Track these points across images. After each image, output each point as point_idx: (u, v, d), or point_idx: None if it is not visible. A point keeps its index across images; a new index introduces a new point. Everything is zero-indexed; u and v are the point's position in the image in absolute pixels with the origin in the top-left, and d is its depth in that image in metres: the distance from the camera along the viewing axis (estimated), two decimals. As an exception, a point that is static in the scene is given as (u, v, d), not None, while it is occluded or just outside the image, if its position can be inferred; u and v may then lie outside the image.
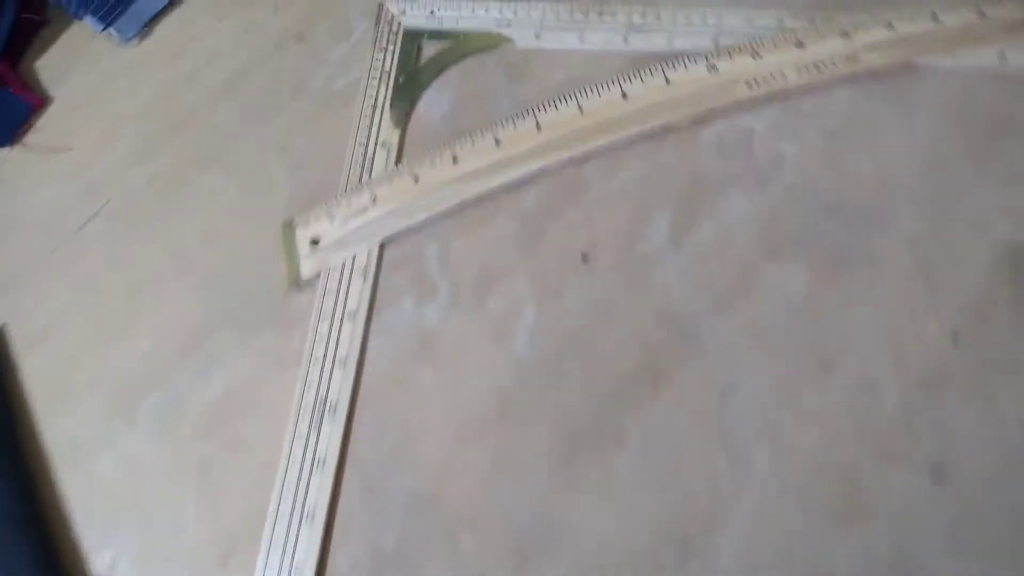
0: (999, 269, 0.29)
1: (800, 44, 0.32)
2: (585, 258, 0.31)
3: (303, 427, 0.29)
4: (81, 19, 0.41)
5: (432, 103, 0.33)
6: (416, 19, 0.35)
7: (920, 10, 0.32)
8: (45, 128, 0.39)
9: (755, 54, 0.32)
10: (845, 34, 0.32)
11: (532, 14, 0.34)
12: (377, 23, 0.35)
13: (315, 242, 0.31)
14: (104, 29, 0.41)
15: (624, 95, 0.32)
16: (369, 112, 0.33)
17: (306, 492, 0.27)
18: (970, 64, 0.32)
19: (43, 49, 0.43)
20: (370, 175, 0.32)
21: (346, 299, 0.30)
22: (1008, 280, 0.29)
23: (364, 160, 0.33)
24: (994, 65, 0.32)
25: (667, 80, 0.32)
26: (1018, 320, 0.29)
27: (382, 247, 0.31)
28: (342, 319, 0.30)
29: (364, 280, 0.31)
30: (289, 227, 0.31)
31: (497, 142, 0.32)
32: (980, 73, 0.32)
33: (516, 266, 0.31)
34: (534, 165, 0.32)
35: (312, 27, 0.35)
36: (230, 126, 0.33)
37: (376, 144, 0.33)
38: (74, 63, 0.41)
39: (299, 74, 0.34)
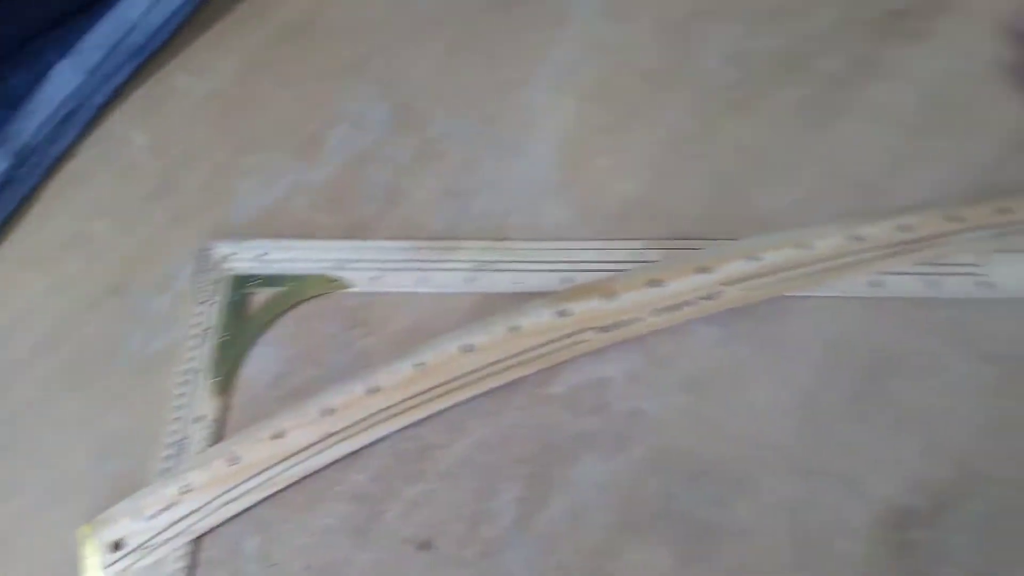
0: (879, 537, 0.26)
1: (656, 281, 0.30)
2: (425, 546, 0.28)
3: None
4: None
5: (261, 362, 0.31)
6: (245, 263, 0.33)
7: (786, 236, 0.30)
8: None
9: (608, 295, 0.30)
10: (705, 269, 0.30)
11: (370, 254, 0.32)
12: (200, 270, 0.32)
13: (117, 546, 0.28)
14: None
15: (466, 348, 0.29)
16: (186, 379, 0.31)
17: None
18: (843, 293, 0.30)
19: None
20: (185, 457, 0.29)
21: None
22: (889, 550, 0.26)
23: (179, 439, 0.30)
24: (868, 293, 0.29)
25: (513, 328, 0.30)
26: (911, 603, 0.26)
27: (196, 545, 0.28)
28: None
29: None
30: (87, 531, 0.28)
31: (330, 411, 0.29)
32: (853, 303, 0.30)
33: (349, 558, 0.28)
34: (369, 436, 0.29)
35: (130, 278, 0.32)
36: (27, 404, 0.30)
37: (193, 418, 0.30)
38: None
39: (113, 336, 0.31)
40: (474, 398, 0.29)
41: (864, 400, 0.28)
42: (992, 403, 0.28)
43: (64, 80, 0.35)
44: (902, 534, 0.26)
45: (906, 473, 0.27)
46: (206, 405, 0.30)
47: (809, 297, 0.30)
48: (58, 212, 0.35)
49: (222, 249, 0.32)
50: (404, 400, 0.29)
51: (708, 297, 0.29)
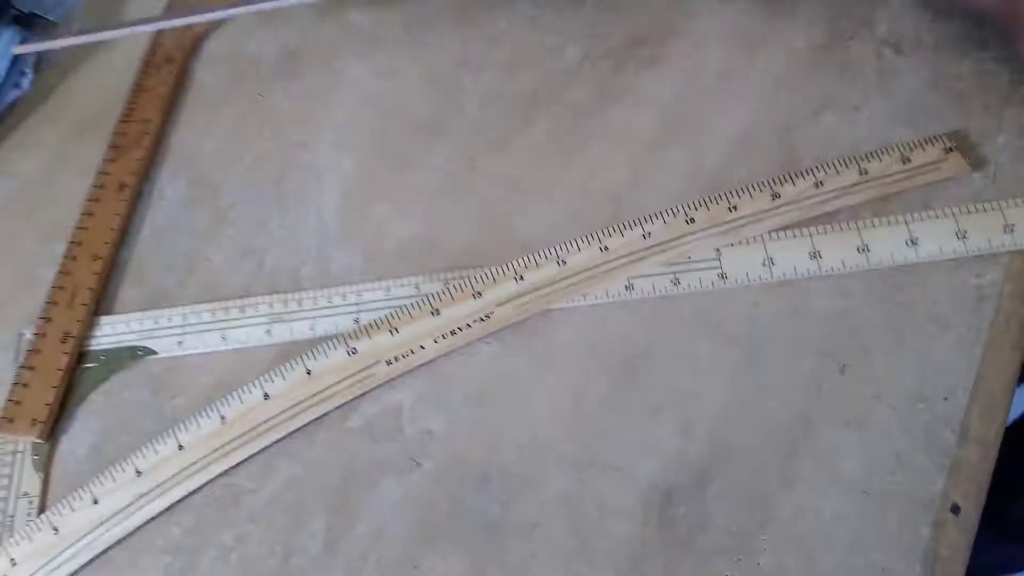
0: (647, 515, 0.29)
1: (435, 312, 0.33)
2: (239, 586, 0.30)
3: None
4: None
5: (76, 436, 0.32)
6: (58, 345, 0.35)
7: (546, 257, 0.33)
8: None
9: (392, 329, 0.32)
10: (477, 294, 0.33)
11: (173, 320, 0.34)
12: (16, 355, 0.34)
13: (-58, 630, 0.29)
14: None
15: (266, 395, 0.32)
16: (8, 459, 0.32)
17: None
18: (600, 300, 0.33)
19: None
20: (12, 533, 0.31)
21: None
22: (657, 525, 0.29)
23: (4, 518, 0.31)
24: (622, 295, 0.33)
25: (308, 371, 0.32)
26: (672, 567, 0.28)
27: (26, 614, 0.30)
28: None
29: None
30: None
31: (139, 472, 0.31)
32: (610, 307, 0.33)
33: (170, 609, 0.29)
34: (181, 491, 0.31)
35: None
36: None
37: (17, 496, 0.32)
38: None
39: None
40: (281, 439, 0.32)
41: (625, 393, 0.31)
42: (736, 380, 0.31)
43: None
44: (668, 510, 0.30)
45: (666, 454, 0.30)
46: (29, 482, 0.32)
47: (572, 307, 0.33)
48: None
49: (32, 329, 0.34)
50: (210, 452, 0.31)
51: (482, 319, 0.32)
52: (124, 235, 0.36)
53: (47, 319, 0.34)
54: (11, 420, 0.32)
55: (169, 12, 0.41)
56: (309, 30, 0.39)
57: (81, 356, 0.34)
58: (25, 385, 0.33)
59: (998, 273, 0.32)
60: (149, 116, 0.38)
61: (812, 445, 0.30)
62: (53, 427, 0.33)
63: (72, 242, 0.36)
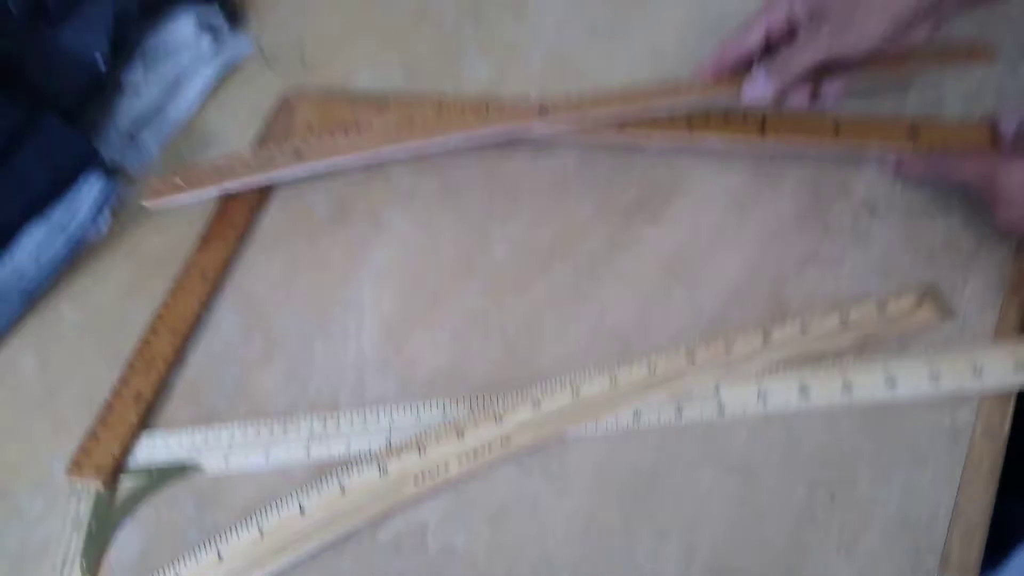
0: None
1: (460, 434, 0.36)
2: None
3: None
4: None
5: (124, 545, 0.35)
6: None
7: (561, 386, 0.37)
8: None
9: (420, 450, 0.36)
10: (498, 418, 0.36)
11: (221, 438, 0.37)
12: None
13: None
14: None
15: (302, 509, 0.35)
16: (59, 566, 0.35)
17: None
18: (610, 427, 0.36)
19: None
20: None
21: None
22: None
23: (52, 619, 0.33)
24: (630, 425, 0.36)
25: (342, 488, 0.35)
26: None
27: None
28: None
29: None
30: None
31: (180, 580, 0.34)
32: (619, 434, 0.36)
33: None
34: (219, 597, 0.33)
35: (12, 481, 0.37)
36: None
37: (65, 600, 0.34)
38: None
39: (-7, 536, 0.36)
40: (310, 555, 0.34)
41: (633, 518, 0.34)
42: (735, 507, 0.34)
43: (-39, 320, 0.41)
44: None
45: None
46: (77, 587, 0.34)
47: (585, 434, 0.36)
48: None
49: (94, 448, 0.38)
50: (248, 563, 0.34)
51: (502, 442, 0.36)
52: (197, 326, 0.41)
53: (125, 382, 0.39)
54: (79, 466, 0.36)
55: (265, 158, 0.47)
56: (358, 185, 0.45)
57: (134, 471, 0.37)
58: (96, 438, 0.37)
59: (970, 413, 0.35)
60: (237, 221, 0.44)
61: (807, 570, 0.32)
62: (115, 478, 0.37)
63: (155, 319, 0.41)
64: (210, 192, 0.44)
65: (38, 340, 0.42)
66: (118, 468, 0.37)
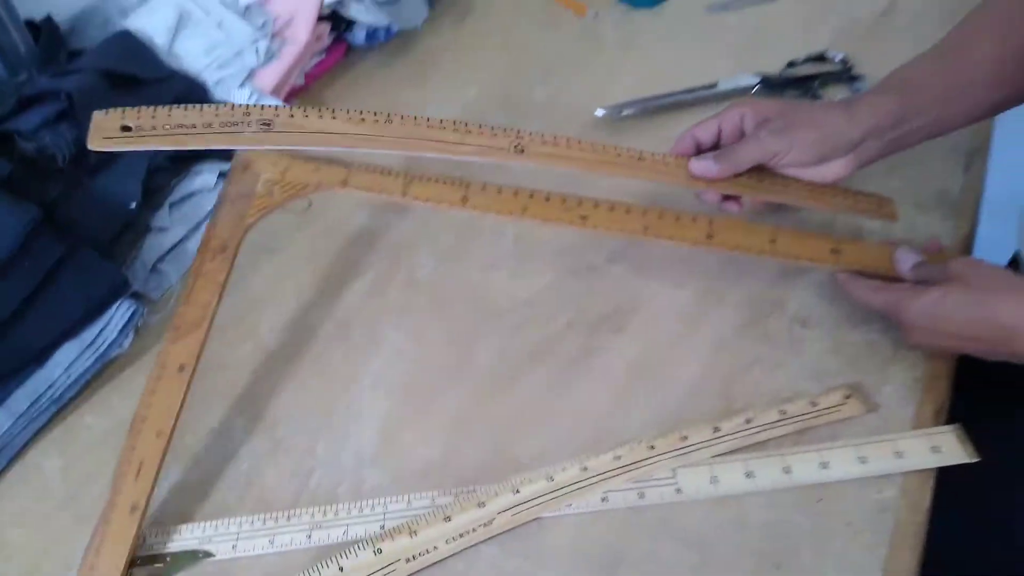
0: None
1: (448, 518, 0.40)
2: None
3: None
4: None
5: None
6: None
7: (538, 474, 0.41)
8: None
9: (412, 532, 0.40)
10: (482, 504, 0.41)
11: (230, 528, 0.41)
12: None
13: None
14: None
15: (303, 589, 0.38)
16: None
17: None
18: (581, 509, 0.41)
19: None
20: None
21: None
22: None
23: None
24: (599, 506, 0.41)
25: (340, 569, 0.39)
26: None
27: None
28: None
29: None
30: None
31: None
32: (590, 515, 0.41)
33: None
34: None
35: (36, 575, 0.41)
36: None
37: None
38: None
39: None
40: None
41: (603, 590, 0.38)
42: (693, 575, 0.38)
43: (-5, 424, 0.45)
44: None
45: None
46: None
47: (559, 516, 0.41)
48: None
49: (113, 539, 0.41)
50: (254, 637, 0.37)
51: (486, 524, 0.40)
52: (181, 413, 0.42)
53: (118, 491, 0.40)
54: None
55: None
56: (356, 305, 0.51)
57: (151, 558, 0.41)
58: (97, 551, 0.40)
59: (895, 490, 0.40)
60: (207, 300, 0.46)
61: (760, 634, 0.36)
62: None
63: (137, 417, 0.42)
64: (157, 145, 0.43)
65: (63, 444, 0.46)
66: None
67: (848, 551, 0.38)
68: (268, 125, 0.44)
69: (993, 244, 0.59)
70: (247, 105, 0.46)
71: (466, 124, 0.46)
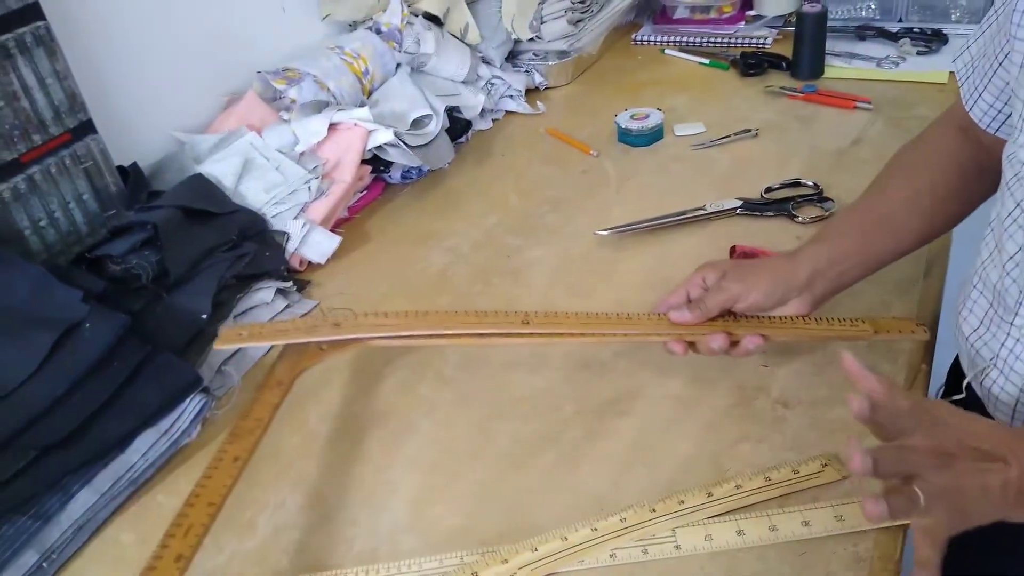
0: None
1: (475, 574, 0.45)
2: None
3: None
4: None
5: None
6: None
7: (553, 535, 0.47)
8: None
9: (442, 590, 0.45)
10: (505, 560, 0.46)
11: (285, 586, 0.47)
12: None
13: None
14: None
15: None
16: None
17: None
18: (593, 566, 0.45)
19: None
20: None
21: None
22: None
23: None
24: (607, 562, 0.45)
25: (381, 618, 0.44)
26: None
27: None
28: None
29: None
30: None
31: None
32: (600, 570, 0.46)
33: None
34: None
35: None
36: None
37: None
38: None
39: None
40: None
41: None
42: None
43: (82, 502, 0.52)
44: None
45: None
46: None
47: (573, 570, 0.45)
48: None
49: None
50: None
51: (507, 579, 0.45)
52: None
53: (165, 545, 0.44)
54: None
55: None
56: (392, 399, 0.58)
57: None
58: None
59: (868, 543, 0.44)
60: (262, 416, 0.53)
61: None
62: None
63: (193, 493, 0.47)
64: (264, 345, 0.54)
65: (137, 520, 0.52)
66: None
67: (829, 597, 0.42)
68: (338, 325, 0.57)
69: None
70: (323, 312, 0.63)
71: (486, 312, 0.57)
